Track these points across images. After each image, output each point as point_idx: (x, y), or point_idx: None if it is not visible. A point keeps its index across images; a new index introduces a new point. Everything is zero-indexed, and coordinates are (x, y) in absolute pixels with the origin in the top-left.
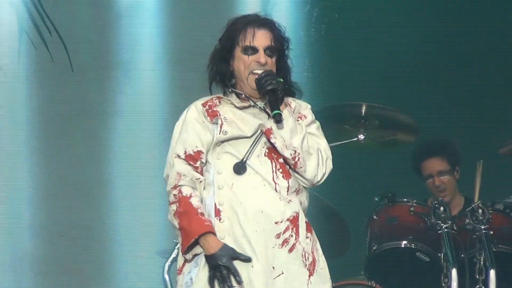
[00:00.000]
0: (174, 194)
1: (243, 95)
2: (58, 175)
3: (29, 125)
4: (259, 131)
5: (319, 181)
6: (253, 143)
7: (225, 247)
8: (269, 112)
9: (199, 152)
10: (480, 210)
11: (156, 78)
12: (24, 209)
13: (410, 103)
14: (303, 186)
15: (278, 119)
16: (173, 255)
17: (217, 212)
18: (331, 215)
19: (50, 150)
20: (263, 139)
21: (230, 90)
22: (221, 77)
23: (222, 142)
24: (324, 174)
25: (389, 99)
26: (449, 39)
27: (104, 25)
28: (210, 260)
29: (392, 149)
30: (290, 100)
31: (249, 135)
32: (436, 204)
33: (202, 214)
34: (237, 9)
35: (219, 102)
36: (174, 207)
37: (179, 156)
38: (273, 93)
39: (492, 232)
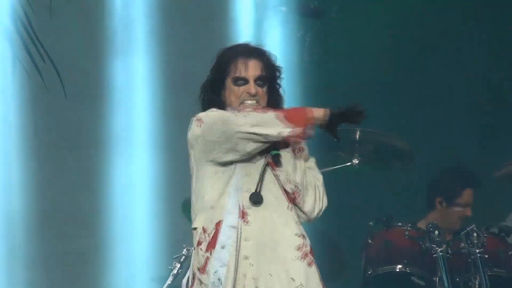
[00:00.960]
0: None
1: None
2: (52, 203)
3: (23, 152)
4: (263, 160)
5: (315, 217)
6: (261, 174)
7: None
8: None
9: None
10: (475, 234)
11: (149, 104)
12: (19, 237)
13: (406, 127)
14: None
15: (276, 160)
16: (168, 281)
17: (243, 215)
18: (326, 239)
19: (44, 177)
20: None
21: None
22: (213, 107)
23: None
24: (321, 209)
25: (385, 124)
26: (447, 60)
27: (97, 52)
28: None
29: (387, 174)
30: None
31: (254, 162)
32: (430, 228)
33: None
34: (230, 34)
35: None
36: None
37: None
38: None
39: (487, 256)
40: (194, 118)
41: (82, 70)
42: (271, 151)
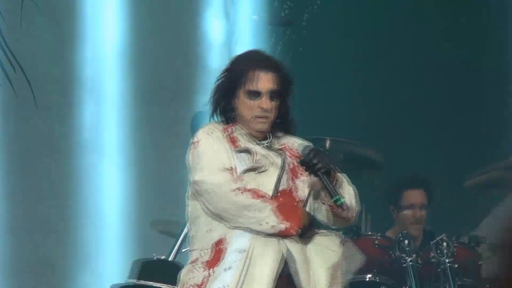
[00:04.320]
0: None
1: (245, 133)
2: (22, 211)
3: None
4: (280, 168)
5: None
6: (277, 180)
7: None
8: (278, 155)
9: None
10: (444, 243)
11: (120, 113)
12: None
13: (376, 136)
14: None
15: (339, 205)
16: None
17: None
18: None
19: (14, 185)
20: (285, 175)
21: (233, 128)
22: (222, 111)
23: (246, 171)
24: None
25: (355, 133)
26: (416, 71)
27: (68, 61)
28: None
29: (356, 183)
30: (292, 140)
31: (267, 168)
32: (400, 237)
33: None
34: (201, 43)
35: (233, 130)
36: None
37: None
38: (327, 175)
39: (456, 266)
40: (193, 147)
41: (53, 79)
42: (336, 198)
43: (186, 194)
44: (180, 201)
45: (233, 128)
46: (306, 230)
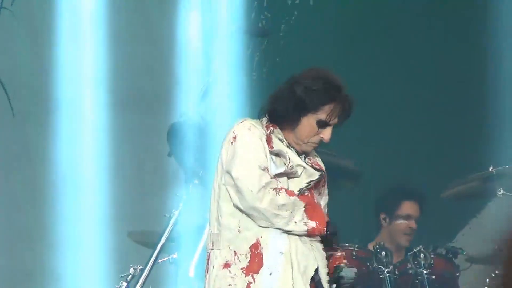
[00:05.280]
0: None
1: (282, 138)
2: None
3: None
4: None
5: None
6: (303, 187)
7: None
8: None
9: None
10: (422, 255)
11: (97, 123)
12: None
13: (354, 146)
14: None
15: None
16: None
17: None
18: None
19: None
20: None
21: (273, 129)
22: (280, 117)
23: (278, 175)
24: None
25: (332, 143)
26: (395, 81)
27: (45, 70)
28: None
29: (334, 194)
30: (314, 154)
31: (299, 175)
32: (377, 249)
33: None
34: (179, 53)
35: (272, 131)
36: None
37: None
38: None
39: (434, 277)
40: (231, 141)
41: (30, 87)
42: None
43: (211, 190)
44: (157, 211)
45: (272, 129)
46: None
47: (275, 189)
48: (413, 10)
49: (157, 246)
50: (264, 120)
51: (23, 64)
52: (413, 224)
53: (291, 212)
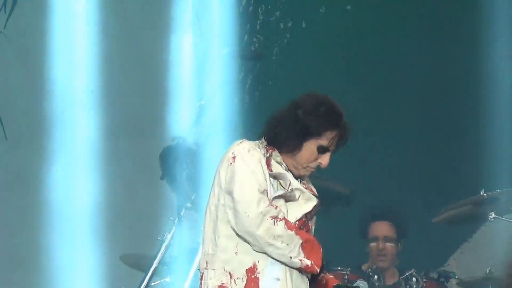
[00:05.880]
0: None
1: (281, 160)
2: None
3: None
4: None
5: None
6: (306, 215)
7: None
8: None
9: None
10: (414, 279)
11: (91, 145)
12: None
13: (345, 170)
14: None
15: None
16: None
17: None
18: None
19: None
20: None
21: (272, 153)
22: (280, 140)
23: (277, 197)
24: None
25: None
26: (387, 104)
27: (38, 93)
28: None
29: (326, 218)
30: (307, 180)
31: (297, 199)
32: (370, 272)
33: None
34: (170, 77)
35: (271, 153)
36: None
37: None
38: None
39: None
40: (230, 162)
41: (22, 111)
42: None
43: (206, 210)
44: (150, 235)
45: (271, 152)
46: (322, 271)
47: (274, 218)
48: (407, 33)
49: (149, 270)
50: (263, 142)
51: (16, 87)
52: (380, 244)
53: (287, 245)
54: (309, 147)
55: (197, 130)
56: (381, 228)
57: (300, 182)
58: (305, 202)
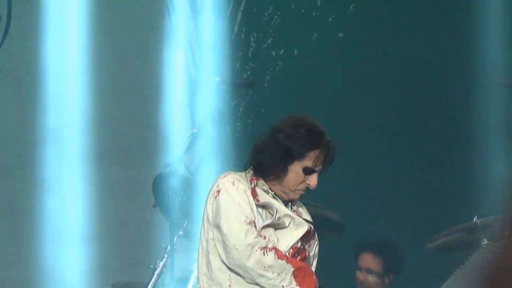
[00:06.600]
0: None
1: (267, 188)
2: None
3: None
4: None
5: None
6: (301, 241)
7: None
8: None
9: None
10: None
11: (82, 173)
12: None
13: (336, 198)
14: None
15: None
16: None
17: None
18: None
19: None
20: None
21: (257, 182)
22: (265, 167)
23: (265, 226)
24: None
25: (316, 194)
26: (379, 128)
27: (29, 121)
28: None
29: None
30: (299, 205)
31: (287, 226)
32: None
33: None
34: (163, 105)
35: (256, 183)
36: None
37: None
38: None
39: None
40: (215, 196)
41: (14, 138)
42: None
43: (198, 245)
44: (142, 263)
45: (256, 181)
46: None
47: (264, 248)
48: (401, 60)
49: None
50: (249, 173)
51: (7, 116)
52: (363, 276)
53: (278, 274)
54: (295, 170)
55: (189, 158)
56: (366, 260)
57: (291, 209)
58: (296, 229)
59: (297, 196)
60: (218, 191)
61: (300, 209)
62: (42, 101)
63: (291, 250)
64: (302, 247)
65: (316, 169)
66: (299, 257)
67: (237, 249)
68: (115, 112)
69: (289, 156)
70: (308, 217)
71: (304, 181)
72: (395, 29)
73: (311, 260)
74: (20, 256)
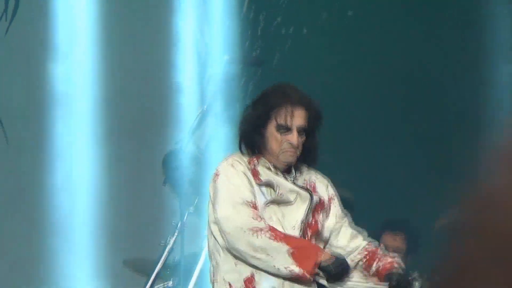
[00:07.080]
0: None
1: (269, 165)
2: None
3: None
4: (308, 204)
5: None
6: (305, 215)
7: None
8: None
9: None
10: (416, 283)
11: (92, 152)
12: None
13: (347, 177)
14: None
15: None
16: None
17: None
18: None
19: None
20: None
21: (256, 161)
22: (250, 142)
23: (268, 204)
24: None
25: (327, 174)
26: (388, 111)
27: (39, 100)
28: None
29: None
30: (314, 176)
31: (292, 201)
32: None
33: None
34: (173, 82)
35: (258, 162)
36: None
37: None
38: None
39: None
40: (214, 179)
41: (23, 117)
42: None
43: (208, 227)
44: (152, 239)
45: (257, 161)
46: (339, 277)
47: (255, 229)
48: (408, 36)
49: (152, 274)
50: (246, 153)
51: (17, 94)
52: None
53: (270, 255)
54: (270, 132)
55: (199, 135)
56: (394, 240)
57: (294, 179)
58: (303, 203)
59: (288, 158)
60: (217, 175)
61: (313, 178)
62: (51, 79)
63: (302, 225)
64: (313, 220)
65: (290, 125)
66: (310, 231)
67: (229, 232)
68: (124, 90)
69: (260, 122)
70: (323, 188)
71: (283, 140)
72: (407, 8)
73: (324, 234)
74: (30, 232)
